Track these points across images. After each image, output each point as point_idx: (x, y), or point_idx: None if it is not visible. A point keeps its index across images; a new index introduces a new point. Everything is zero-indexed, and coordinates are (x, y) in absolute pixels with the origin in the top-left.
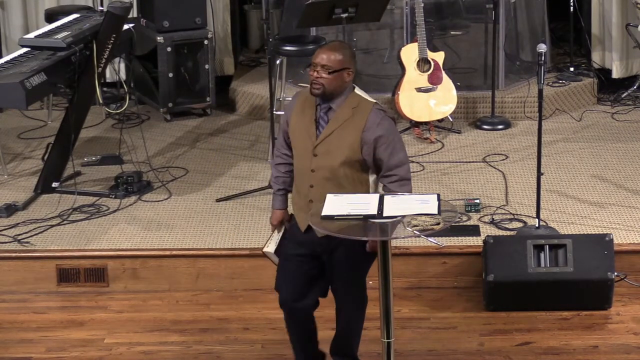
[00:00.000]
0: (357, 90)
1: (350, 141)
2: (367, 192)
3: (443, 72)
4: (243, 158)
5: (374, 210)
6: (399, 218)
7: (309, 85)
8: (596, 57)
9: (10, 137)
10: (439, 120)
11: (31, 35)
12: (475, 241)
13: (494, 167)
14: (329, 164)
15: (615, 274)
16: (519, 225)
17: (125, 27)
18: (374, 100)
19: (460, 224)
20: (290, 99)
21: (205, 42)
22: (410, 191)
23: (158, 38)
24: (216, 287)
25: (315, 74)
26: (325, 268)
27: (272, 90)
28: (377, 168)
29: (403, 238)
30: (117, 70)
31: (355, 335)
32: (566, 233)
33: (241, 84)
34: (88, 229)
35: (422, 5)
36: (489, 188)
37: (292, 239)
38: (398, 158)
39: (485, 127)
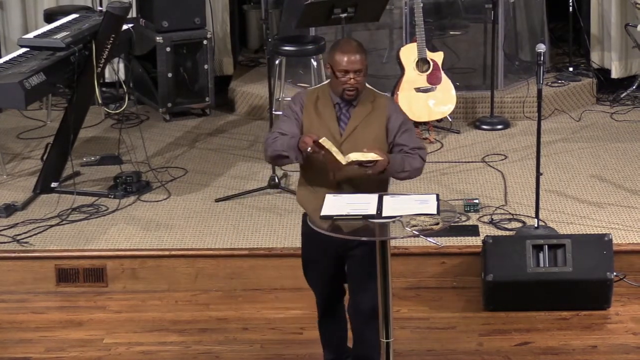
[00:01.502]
0: (366, 84)
1: (376, 133)
2: (387, 183)
3: (442, 72)
4: (242, 158)
5: (373, 210)
6: (397, 218)
7: (307, 86)
8: (595, 57)
9: (9, 137)
10: (438, 120)
11: (30, 35)
12: (475, 241)
13: (493, 167)
14: None
15: (615, 274)
16: (518, 225)
17: (125, 27)
18: (387, 94)
19: (460, 224)
20: (290, 98)
21: (205, 42)
22: (420, 168)
23: (157, 38)
24: (215, 287)
25: (351, 80)
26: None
27: (271, 90)
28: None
29: (402, 238)
30: (116, 70)
31: (370, 340)
32: (565, 233)
33: (240, 84)
34: (87, 229)
35: (421, 5)
36: (488, 188)
37: (313, 242)
38: (418, 142)
39: (485, 127)
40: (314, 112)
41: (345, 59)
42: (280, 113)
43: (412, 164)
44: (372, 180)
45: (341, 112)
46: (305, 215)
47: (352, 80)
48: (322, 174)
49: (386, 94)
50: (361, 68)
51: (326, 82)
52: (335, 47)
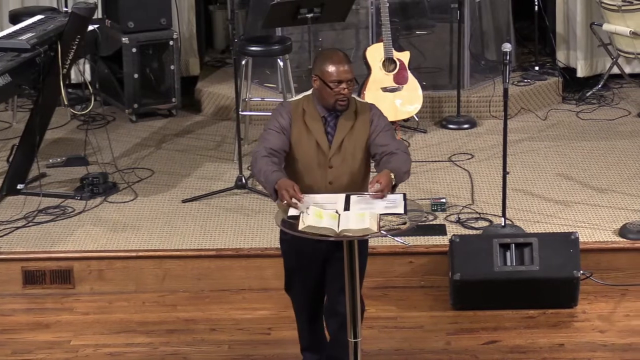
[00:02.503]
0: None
1: (361, 143)
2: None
3: (408, 71)
4: (209, 159)
5: (340, 210)
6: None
7: (274, 86)
8: (561, 56)
9: None
10: (404, 120)
11: None
12: (442, 240)
13: (460, 167)
14: (347, 171)
15: (581, 272)
16: (485, 224)
17: (90, 28)
18: (369, 102)
19: (427, 223)
20: (257, 99)
21: (171, 42)
22: (410, 164)
23: (123, 39)
24: (182, 288)
25: (345, 90)
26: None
27: (237, 90)
28: (375, 154)
29: (369, 237)
30: (82, 71)
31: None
32: (532, 232)
33: (207, 84)
34: (53, 231)
35: (387, 5)
36: (455, 187)
37: (296, 251)
38: (399, 142)
39: (451, 126)
40: (303, 126)
41: (338, 69)
42: (248, 113)
43: (407, 162)
44: (362, 186)
45: (328, 125)
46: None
47: (345, 90)
48: (310, 189)
49: (369, 102)
50: (352, 77)
51: (306, 94)
52: (324, 59)
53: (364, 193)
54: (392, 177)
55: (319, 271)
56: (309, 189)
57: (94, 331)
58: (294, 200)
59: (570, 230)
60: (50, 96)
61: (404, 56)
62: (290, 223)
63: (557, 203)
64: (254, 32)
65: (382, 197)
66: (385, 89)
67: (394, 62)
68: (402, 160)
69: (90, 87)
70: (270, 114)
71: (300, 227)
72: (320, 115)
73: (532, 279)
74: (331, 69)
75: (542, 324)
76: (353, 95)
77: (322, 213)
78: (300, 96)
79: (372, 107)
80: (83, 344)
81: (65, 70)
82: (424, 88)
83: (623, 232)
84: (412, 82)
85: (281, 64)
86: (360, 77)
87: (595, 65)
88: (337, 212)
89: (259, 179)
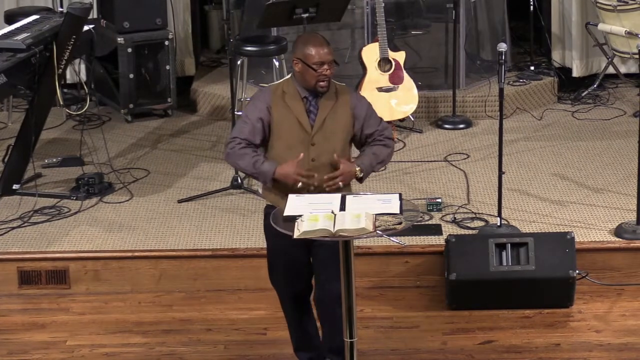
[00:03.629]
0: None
1: (343, 122)
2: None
3: (404, 71)
4: (204, 159)
5: (336, 210)
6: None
7: (271, 84)
8: (556, 56)
9: None
10: (400, 120)
11: None
12: (437, 240)
13: (456, 166)
14: (329, 149)
15: (577, 272)
16: (480, 224)
17: (85, 28)
18: (342, 84)
19: (422, 223)
20: (251, 98)
21: (166, 42)
22: (391, 147)
23: (118, 39)
24: (178, 288)
25: (327, 71)
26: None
27: (233, 90)
28: (361, 142)
29: (365, 237)
30: (77, 71)
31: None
32: (528, 231)
33: (202, 84)
34: (49, 231)
35: (383, 5)
36: (450, 187)
37: (276, 232)
38: (380, 123)
39: (447, 126)
40: (283, 106)
41: (320, 51)
42: (242, 113)
43: (382, 152)
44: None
45: (310, 104)
46: (269, 208)
47: (327, 71)
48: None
49: (342, 83)
50: (333, 59)
51: (286, 77)
52: (305, 42)
53: (359, 193)
54: (358, 171)
55: (303, 257)
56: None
57: (89, 331)
58: (310, 180)
59: (566, 230)
60: (46, 96)
61: (400, 56)
62: (274, 214)
63: (553, 203)
64: (249, 32)
65: (333, 185)
66: (380, 89)
67: (390, 62)
68: (378, 154)
69: (85, 87)
70: None
71: (296, 235)
72: (301, 96)
73: (528, 279)
74: (313, 51)
75: (538, 324)
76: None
77: (317, 216)
78: (280, 81)
79: (348, 90)
80: (79, 344)
81: (60, 70)
82: (419, 88)
83: (619, 231)
84: (408, 82)
85: (277, 64)
86: (356, 77)
87: (591, 65)
88: (332, 212)
89: (246, 171)
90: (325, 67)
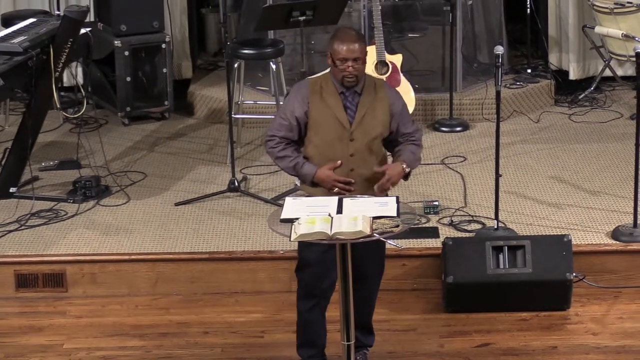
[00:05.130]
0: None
1: (381, 118)
2: None
3: (401, 74)
4: (202, 162)
5: (333, 213)
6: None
7: (266, 89)
8: (553, 59)
9: None
10: None
11: None
12: (434, 243)
13: (453, 169)
14: (366, 143)
15: (574, 274)
16: (477, 226)
17: (82, 31)
18: (380, 77)
19: (419, 226)
20: (250, 102)
21: (163, 45)
22: (421, 150)
23: (115, 42)
24: (175, 291)
25: (350, 68)
26: None
27: (230, 93)
28: (394, 142)
29: (362, 240)
30: (74, 74)
31: (374, 305)
32: (525, 234)
33: (199, 87)
34: (46, 234)
35: (380, 7)
36: (447, 190)
37: None
38: (414, 126)
39: (444, 129)
40: (320, 101)
41: (344, 47)
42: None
43: (417, 151)
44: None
45: (347, 100)
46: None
47: (350, 68)
48: (333, 161)
49: (381, 77)
50: (359, 56)
51: (325, 71)
52: (334, 37)
53: (356, 195)
54: (405, 166)
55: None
56: (329, 160)
57: (86, 334)
58: (347, 187)
59: (563, 233)
60: (43, 99)
61: (396, 59)
62: (271, 217)
63: (550, 205)
64: (246, 35)
65: (387, 189)
66: None
67: (387, 64)
68: (417, 153)
69: (82, 90)
70: (262, 117)
71: (292, 238)
72: (338, 91)
73: (525, 282)
74: (338, 47)
75: (535, 327)
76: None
77: (314, 219)
78: (320, 74)
79: (387, 85)
80: (76, 347)
81: (57, 73)
82: (416, 91)
83: (615, 234)
84: (405, 84)
85: (274, 67)
86: None
87: (588, 67)
88: (329, 215)
89: (286, 172)
90: (349, 63)
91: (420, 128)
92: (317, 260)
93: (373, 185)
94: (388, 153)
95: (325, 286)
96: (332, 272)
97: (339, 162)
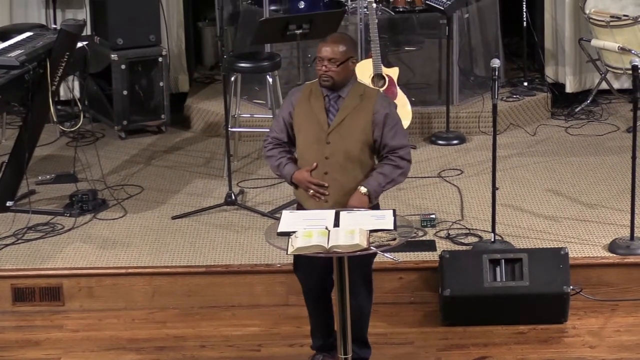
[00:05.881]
0: (360, 80)
1: (362, 125)
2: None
3: (397, 87)
4: (198, 175)
5: (330, 226)
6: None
7: (263, 102)
8: (550, 72)
9: None
10: None
11: None
12: (431, 256)
13: (449, 182)
14: (343, 149)
15: (571, 287)
16: (474, 240)
17: (79, 44)
18: (377, 88)
19: (416, 239)
20: (246, 115)
21: (160, 59)
22: (404, 168)
23: (112, 56)
24: (172, 305)
25: (323, 67)
26: None
27: (227, 107)
28: (378, 153)
29: (359, 253)
30: (71, 88)
31: (366, 320)
32: (522, 247)
33: (196, 101)
34: (43, 248)
35: (376, 21)
36: (444, 203)
37: None
38: (400, 141)
39: (440, 142)
40: (306, 104)
41: (321, 48)
42: (238, 130)
43: (392, 173)
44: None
45: (330, 103)
46: (297, 204)
47: (324, 67)
48: (310, 164)
49: (378, 89)
50: (333, 57)
51: None
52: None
53: (353, 209)
54: (363, 193)
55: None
56: (308, 164)
57: (83, 348)
58: (320, 190)
59: (560, 246)
60: (39, 113)
61: (393, 72)
62: (268, 230)
63: (547, 218)
64: (243, 49)
65: None
66: None
67: (383, 78)
68: (386, 174)
69: (79, 104)
70: (259, 130)
71: (290, 251)
72: (323, 95)
73: (522, 295)
74: (319, 47)
75: (532, 340)
76: (363, 82)
77: (311, 232)
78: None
79: (379, 94)
80: None
81: (54, 87)
82: (413, 104)
83: (612, 247)
84: (401, 98)
85: (270, 80)
86: None
87: (584, 80)
88: (326, 228)
89: (274, 172)
90: (325, 63)
91: (406, 147)
92: (304, 259)
93: (348, 193)
94: None
95: (317, 282)
96: (322, 268)
97: (315, 164)
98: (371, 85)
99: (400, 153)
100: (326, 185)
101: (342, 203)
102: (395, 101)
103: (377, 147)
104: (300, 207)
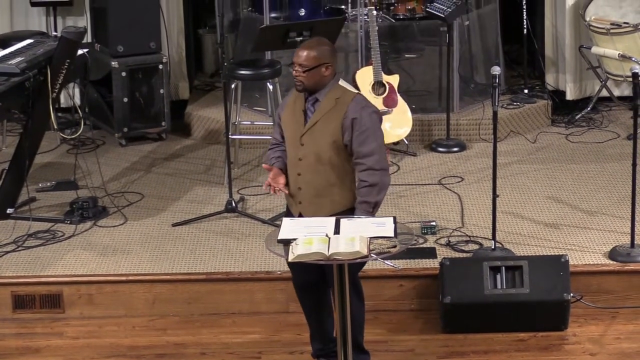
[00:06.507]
0: (342, 82)
1: (332, 128)
2: (352, 182)
3: (398, 94)
4: (199, 182)
5: (330, 233)
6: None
7: (264, 110)
8: (550, 79)
9: None
10: (394, 143)
11: None
12: (432, 263)
13: (450, 190)
14: (314, 150)
15: (571, 295)
16: (475, 247)
17: (80, 52)
18: (357, 92)
19: (417, 246)
20: (247, 123)
21: (160, 66)
22: (378, 182)
23: (112, 63)
24: (173, 312)
25: (294, 72)
26: None
27: (227, 114)
28: (352, 157)
29: (360, 260)
30: (71, 95)
31: (359, 326)
32: (522, 254)
33: (196, 108)
34: (43, 255)
35: (377, 28)
36: (444, 210)
37: None
38: (369, 147)
39: (441, 149)
40: (292, 105)
41: (295, 52)
42: (238, 137)
43: (369, 195)
44: (329, 184)
45: (309, 107)
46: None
47: (294, 72)
48: (290, 164)
49: (357, 92)
50: (304, 63)
51: None
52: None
53: (354, 216)
54: None
55: None
56: (289, 162)
57: (83, 356)
58: (269, 186)
59: (560, 253)
60: (40, 120)
61: (394, 79)
62: (268, 237)
63: (547, 226)
64: (243, 56)
65: None
66: None
67: (384, 85)
68: (366, 193)
69: (79, 111)
70: (259, 137)
71: (290, 258)
72: (304, 98)
73: (522, 302)
74: (296, 50)
75: (532, 347)
76: (343, 85)
77: (311, 239)
78: None
79: (355, 98)
80: None
81: (54, 94)
82: (413, 111)
83: (613, 254)
84: (402, 105)
85: (270, 87)
86: None
87: (584, 88)
88: (327, 235)
89: None
90: (296, 67)
91: (375, 155)
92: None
93: (321, 195)
94: None
95: (308, 281)
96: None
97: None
98: (371, 94)
99: (369, 163)
100: (283, 182)
101: (314, 203)
102: (395, 108)
103: (349, 151)
104: (288, 212)
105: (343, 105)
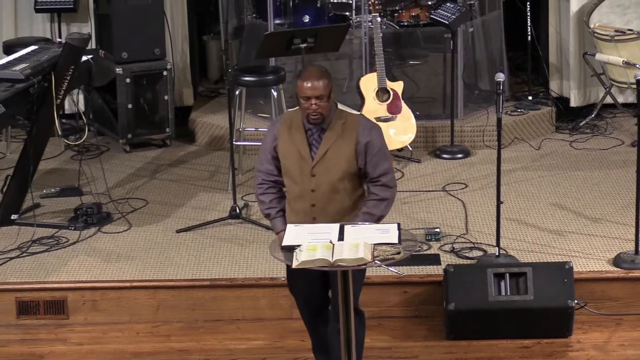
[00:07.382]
0: (340, 106)
1: (346, 155)
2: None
3: (402, 101)
4: (203, 189)
5: (334, 240)
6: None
7: (268, 116)
8: (554, 86)
9: None
10: (398, 150)
11: None
12: (436, 270)
13: (454, 196)
14: (327, 180)
15: (576, 301)
16: (479, 253)
17: (84, 58)
18: (358, 113)
19: (421, 253)
20: (251, 129)
21: (165, 73)
22: (389, 198)
23: (117, 69)
24: (177, 318)
25: (313, 106)
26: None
27: (231, 120)
28: (364, 177)
29: (364, 267)
30: (75, 101)
31: (360, 346)
32: (526, 261)
33: (200, 114)
34: (47, 261)
35: (381, 35)
36: (449, 217)
37: None
38: (383, 167)
39: (445, 156)
40: (288, 137)
41: (307, 85)
42: (242, 143)
43: (376, 209)
44: (344, 209)
45: (313, 137)
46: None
47: (313, 106)
48: (298, 197)
49: (358, 112)
50: (322, 94)
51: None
52: (299, 75)
53: (358, 223)
54: None
55: (320, 278)
56: (295, 195)
57: None
58: None
59: (565, 260)
60: (44, 126)
61: (398, 86)
62: (272, 244)
63: (551, 232)
64: (247, 62)
65: None
66: (378, 119)
67: (388, 92)
68: (373, 206)
69: (84, 117)
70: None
71: (294, 265)
72: (304, 128)
73: (526, 309)
74: (301, 84)
75: (536, 354)
76: (342, 108)
77: (315, 246)
78: (295, 108)
79: (360, 120)
80: None
81: (59, 100)
82: (417, 118)
83: (617, 261)
84: (406, 111)
85: (275, 93)
86: (354, 107)
87: (589, 94)
88: (331, 242)
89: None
90: (313, 101)
91: (389, 172)
92: (304, 283)
93: (336, 220)
94: None
95: (315, 305)
96: (318, 292)
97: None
98: (376, 100)
99: (384, 181)
100: None
101: None
102: (399, 115)
103: (362, 174)
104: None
105: (351, 131)
